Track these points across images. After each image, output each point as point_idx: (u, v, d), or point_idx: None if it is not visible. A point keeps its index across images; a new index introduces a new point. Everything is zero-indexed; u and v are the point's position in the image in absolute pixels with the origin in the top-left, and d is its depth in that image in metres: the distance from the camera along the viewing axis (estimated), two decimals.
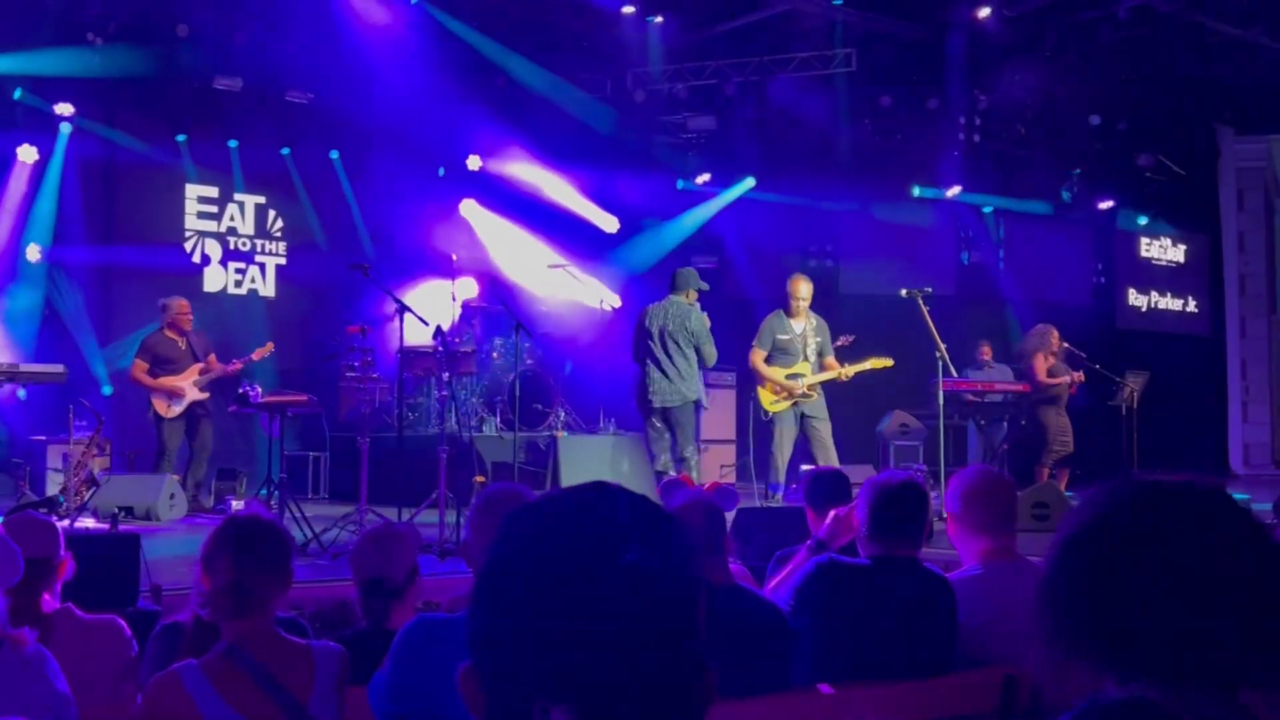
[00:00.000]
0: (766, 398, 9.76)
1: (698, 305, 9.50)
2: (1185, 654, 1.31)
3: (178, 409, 9.92)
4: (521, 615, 1.04)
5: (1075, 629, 1.37)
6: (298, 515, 8.12)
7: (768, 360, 9.75)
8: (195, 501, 9.90)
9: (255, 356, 10.17)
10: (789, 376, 9.68)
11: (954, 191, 15.51)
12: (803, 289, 9.82)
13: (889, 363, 10.33)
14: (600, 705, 1.01)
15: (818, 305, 14.13)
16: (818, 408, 9.76)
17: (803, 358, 9.74)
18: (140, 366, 9.96)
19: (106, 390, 11.78)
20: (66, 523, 8.28)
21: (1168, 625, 1.32)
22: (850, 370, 9.85)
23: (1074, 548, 1.40)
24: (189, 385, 9.93)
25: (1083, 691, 1.37)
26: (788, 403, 9.70)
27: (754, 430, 10.12)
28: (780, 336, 9.74)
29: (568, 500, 1.12)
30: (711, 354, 9.40)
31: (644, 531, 1.07)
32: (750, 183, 15.42)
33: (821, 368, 9.81)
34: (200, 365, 10.07)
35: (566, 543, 1.06)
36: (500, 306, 10.67)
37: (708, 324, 9.44)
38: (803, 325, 9.81)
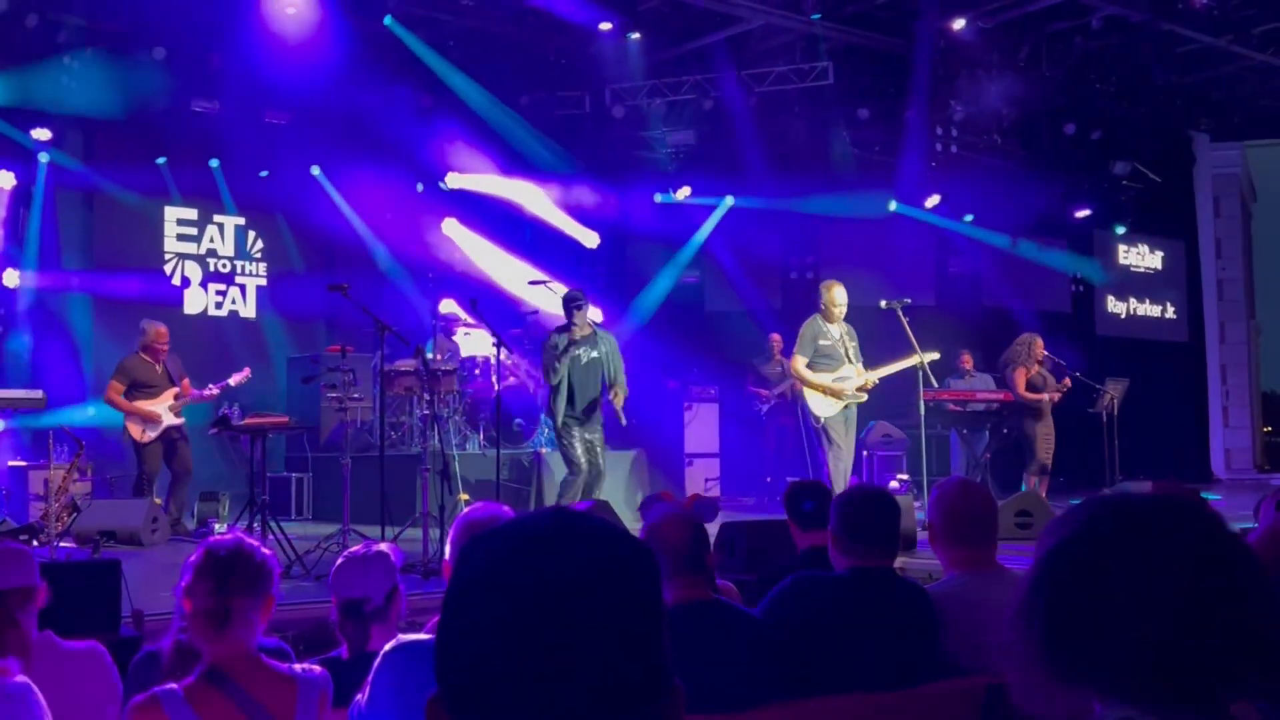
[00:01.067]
0: (818, 404, 9.67)
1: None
2: (1166, 676, 1.30)
3: (152, 434, 9.81)
4: (486, 638, 1.03)
5: (1051, 652, 1.35)
6: (280, 537, 8.09)
7: (810, 367, 9.67)
8: (178, 525, 9.84)
9: (233, 382, 10.05)
10: (835, 380, 9.61)
11: (932, 202, 15.59)
12: (840, 294, 9.75)
13: (935, 355, 10.45)
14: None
15: (799, 317, 14.24)
16: (855, 411, 9.80)
17: (846, 360, 9.69)
18: (116, 389, 9.84)
19: (91, 411, 11.76)
20: (48, 550, 8.24)
21: (1147, 648, 1.30)
22: (897, 366, 9.92)
23: (1047, 568, 1.39)
24: (165, 410, 9.84)
25: (1062, 710, 1.37)
26: (840, 405, 9.62)
27: (807, 439, 10.07)
28: (822, 342, 9.69)
29: (525, 525, 1.11)
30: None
31: (604, 554, 1.08)
32: (729, 201, 15.50)
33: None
34: (175, 390, 9.97)
35: (526, 567, 1.05)
36: (480, 323, 10.65)
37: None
38: (839, 330, 9.77)
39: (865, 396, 9.77)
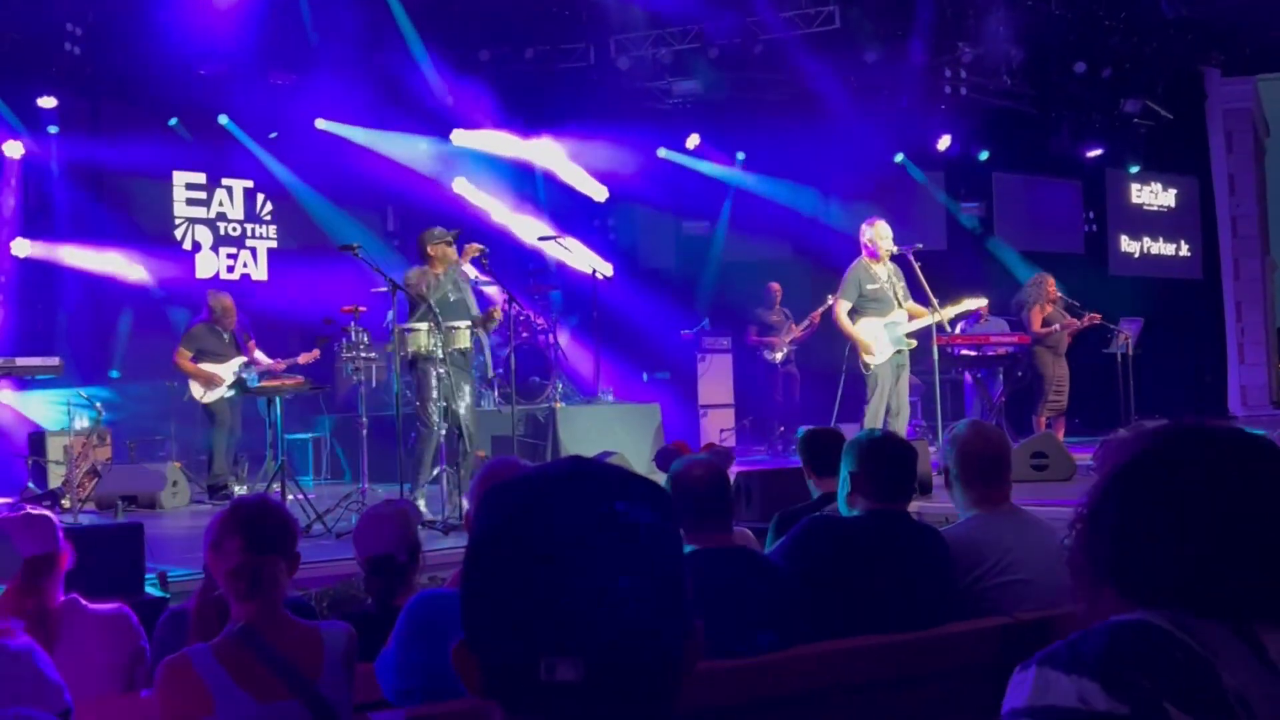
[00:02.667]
0: (868, 352, 9.29)
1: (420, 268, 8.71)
2: (1213, 591, 1.35)
3: (213, 396, 10.02)
4: (518, 575, 1.05)
5: (1106, 558, 1.42)
6: (300, 497, 8.16)
7: (855, 313, 9.31)
8: (223, 489, 9.86)
9: (301, 360, 10.25)
10: (886, 325, 9.30)
11: (943, 143, 15.48)
12: (885, 230, 9.40)
13: (983, 302, 10.25)
14: (603, 654, 1.03)
15: (810, 266, 14.22)
16: (907, 356, 9.48)
17: (896, 304, 9.36)
18: (183, 354, 10.14)
19: (114, 374, 11.84)
20: (70, 515, 8.32)
21: (1199, 563, 1.36)
22: (950, 312, 9.66)
23: (1116, 480, 1.45)
24: (228, 374, 10.05)
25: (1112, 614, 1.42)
26: (890, 351, 9.29)
27: (843, 387, 9.85)
28: (869, 286, 9.31)
29: (550, 469, 1.14)
30: None
31: (628, 488, 1.10)
32: (740, 156, 15.47)
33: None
34: (243, 358, 10.18)
35: (557, 502, 1.08)
36: (491, 280, 10.65)
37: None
38: (887, 271, 9.41)
39: (914, 343, 9.49)
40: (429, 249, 8.67)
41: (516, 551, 1.07)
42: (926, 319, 9.55)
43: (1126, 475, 1.45)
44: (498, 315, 9.03)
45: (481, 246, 8.77)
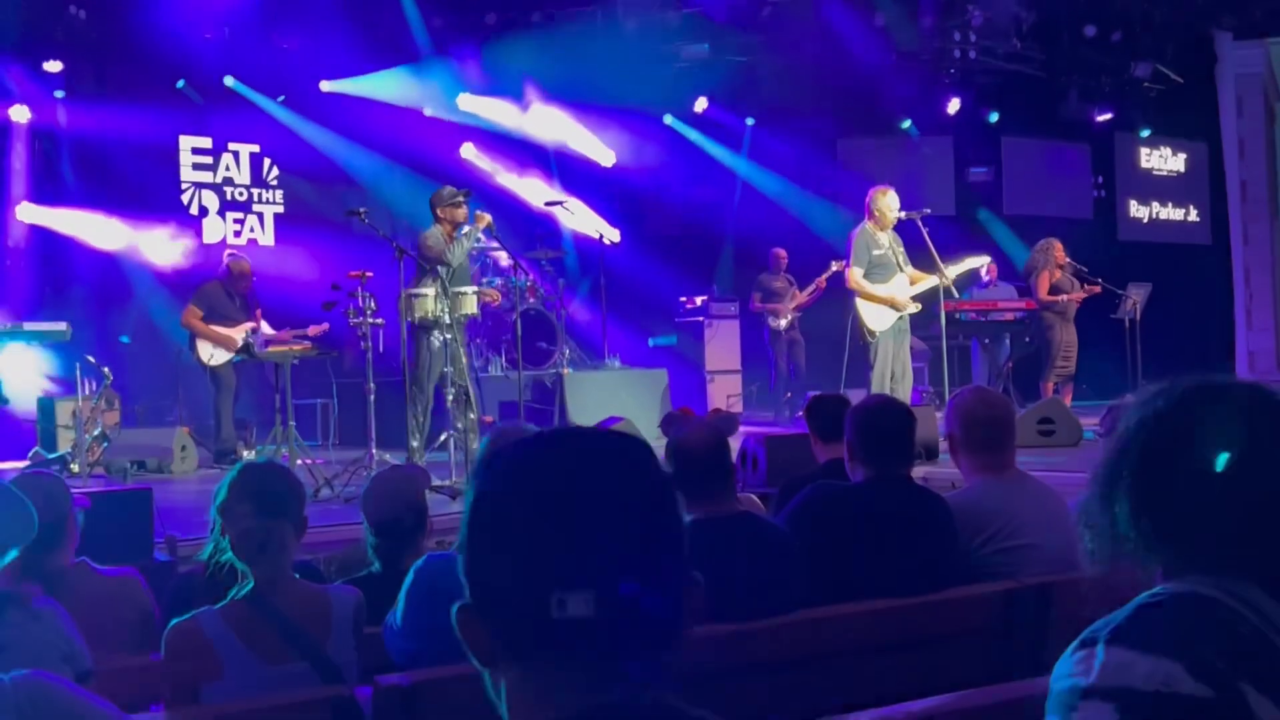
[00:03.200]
0: (873, 317, 9.34)
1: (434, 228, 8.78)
2: (1235, 550, 1.33)
3: (220, 359, 9.99)
4: (526, 520, 1.09)
5: (1124, 521, 1.39)
6: (307, 462, 8.19)
7: (865, 278, 9.34)
8: (230, 454, 9.87)
9: (310, 333, 10.19)
10: (889, 290, 9.31)
11: (953, 107, 15.39)
12: (893, 199, 9.43)
13: (986, 259, 10.22)
14: (612, 589, 1.06)
15: (816, 232, 14.17)
16: (908, 321, 9.52)
17: (899, 269, 9.42)
18: (193, 313, 10.03)
19: (125, 339, 11.85)
20: (79, 480, 8.36)
21: (1222, 521, 1.34)
22: (952, 273, 9.63)
23: (1131, 439, 1.42)
24: (239, 337, 10.01)
25: (1126, 583, 1.41)
26: (894, 318, 9.33)
27: (849, 353, 9.84)
28: (875, 251, 9.35)
29: (544, 432, 1.19)
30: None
31: (624, 444, 1.16)
32: (749, 122, 15.40)
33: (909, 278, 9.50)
34: (251, 324, 10.14)
35: (557, 455, 1.13)
36: (499, 246, 10.66)
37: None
38: (888, 238, 9.46)
39: (919, 306, 9.55)
40: (439, 210, 8.68)
41: (522, 499, 1.11)
42: (930, 282, 9.55)
43: (1142, 436, 1.42)
44: (493, 296, 8.97)
45: (488, 216, 8.78)
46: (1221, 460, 1.34)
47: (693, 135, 15.54)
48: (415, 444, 8.48)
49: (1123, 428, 1.45)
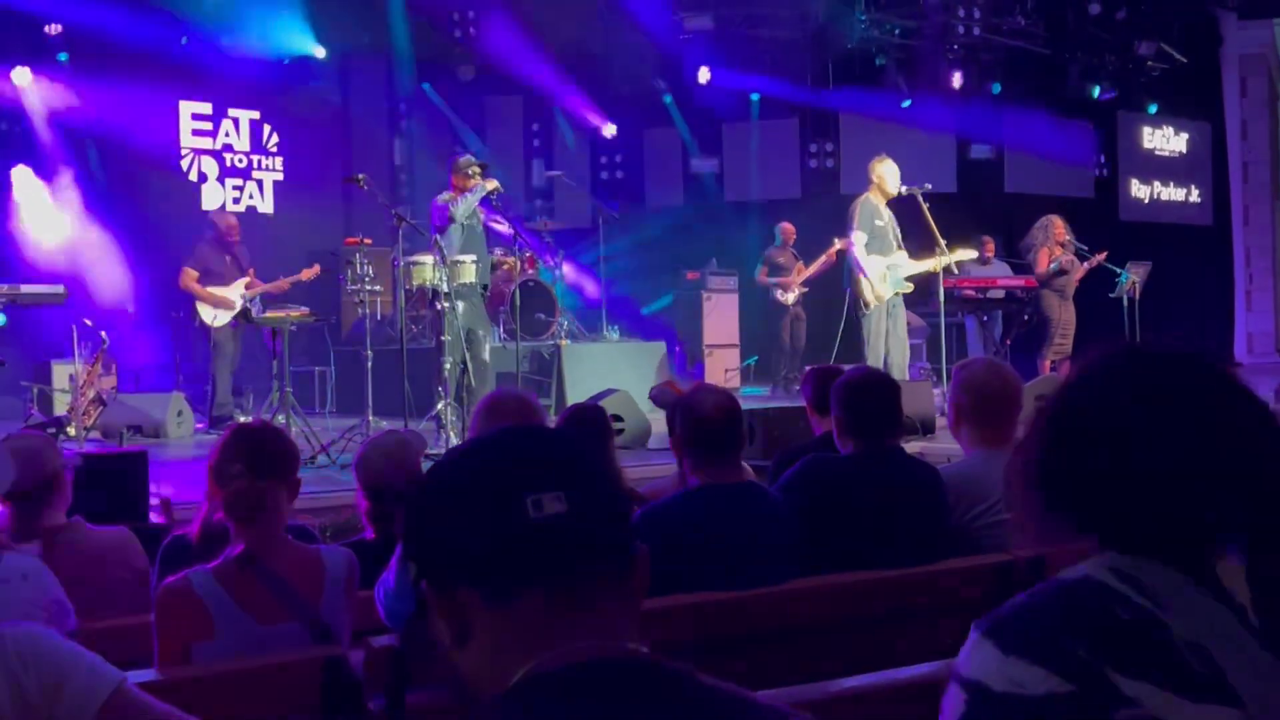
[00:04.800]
0: (869, 290, 9.23)
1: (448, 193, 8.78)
2: (1152, 524, 1.31)
3: (223, 319, 9.97)
4: (494, 449, 1.22)
5: (1044, 489, 1.38)
6: (304, 429, 8.19)
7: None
8: (224, 418, 9.84)
9: (304, 277, 10.15)
10: (889, 266, 9.24)
11: (956, 82, 15.32)
12: (893, 168, 9.36)
13: (974, 254, 10.36)
14: (580, 487, 1.15)
15: (816, 205, 14.13)
16: (901, 298, 9.47)
17: (896, 245, 9.36)
18: (189, 274, 10.01)
19: (129, 309, 11.83)
20: (75, 444, 8.35)
21: (1137, 493, 1.31)
22: (946, 259, 9.55)
23: (1051, 407, 1.41)
24: (236, 296, 9.99)
25: (1063, 545, 1.40)
26: (888, 293, 9.26)
27: (843, 329, 9.71)
28: (877, 223, 9.27)
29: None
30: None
31: (555, 433, 1.32)
32: (754, 98, 15.33)
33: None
34: (245, 280, 10.11)
35: (498, 444, 1.24)
36: (501, 217, 10.62)
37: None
38: (888, 211, 9.38)
39: (911, 287, 9.49)
40: (455, 177, 8.71)
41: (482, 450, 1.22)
42: (930, 262, 9.51)
43: (1061, 400, 1.40)
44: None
45: (497, 183, 8.77)
46: (1122, 424, 1.33)
47: (696, 105, 15.45)
48: (438, 407, 8.42)
49: (1049, 396, 1.44)
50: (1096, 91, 16.23)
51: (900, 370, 9.37)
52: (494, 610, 1.13)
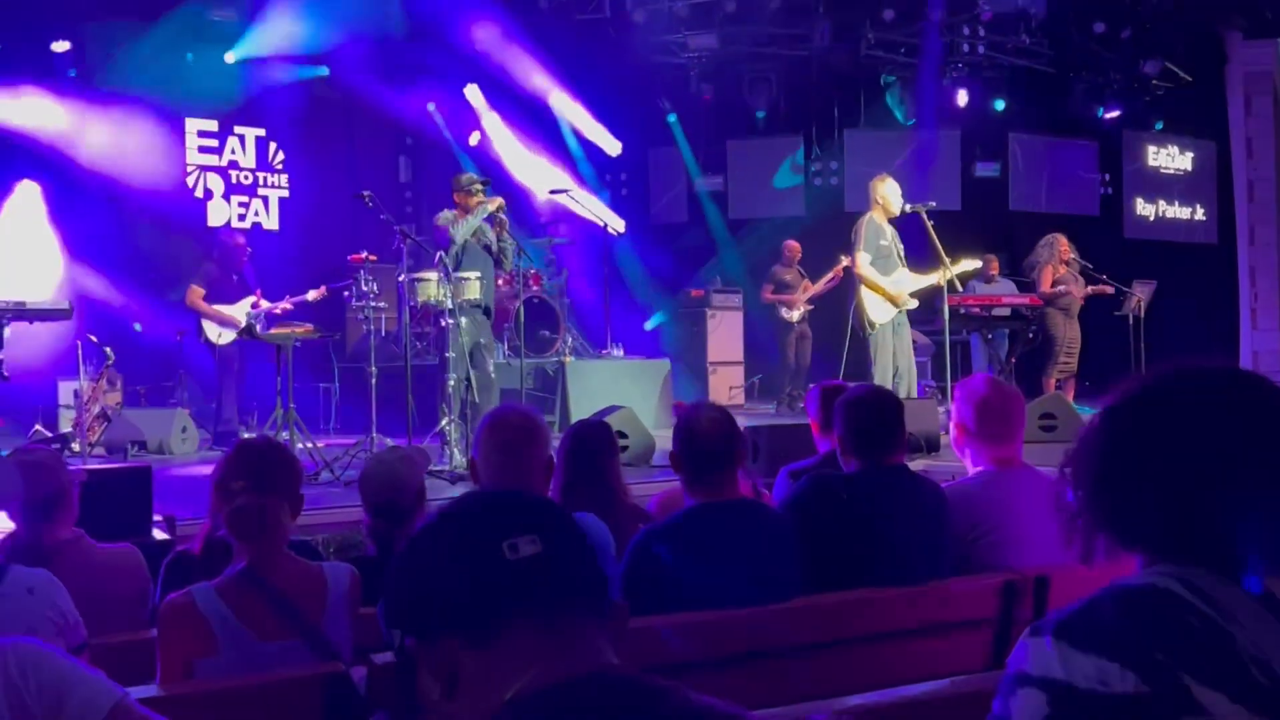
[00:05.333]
0: (875, 308, 9.26)
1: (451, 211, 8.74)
2: (1207, 538, 1.31)
3: (228, 338, 9.99)
4: (468, 517, 1.29)
5: (1097, 503, 1.38)
6: (308, 445, 8.19)
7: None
8: (230, 435, 9.84)
9: (310, 298, 10.14)
10: (893, 284, 9.25)
11: (961, 100, 15.34)
12: (895, 187, 9.38)
13: (977, 264, 10.37)
14: (553, 530, 1.25)
15: (822, 224, 14.14)
16: (905, 315, 9.46)
17: (901, 264, 9.35)
18: (196, 292, 10.02)
19: (138, 327, 11.82)
20: (79, 459, 8.36)
21: (1192, 509, 1.31)
22: (950, 273, 9.49)
23: (1106, 421, 1.41)
24: (242, 315, 10.00)
25: (1110, 562, 1.40)
26: (892, 312, 9.28)
27: (848, 347, 9.70)
28: (881, 242, 9.27)
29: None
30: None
31: (528, 509, 1.33)
32: (759, 115, 15.37)
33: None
34: (251, 299, 10.13)
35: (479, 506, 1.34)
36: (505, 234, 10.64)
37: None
38: (892, 230, 9.38)
39: (916, 303, 9.49)
40: (456, 195, 8.70)
41: (461, 501, 1.33)
42: (933, 278, 9.51)
43: (1112, 415, 1.40)
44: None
45: (500, 200, 8.76)
46: (1184, 440, 1.33)
47: (699, 124, 15.50)
48: (442, 423, 8.41)
49: (1100, 411, 1.43)
50: (1101, 110, 16.26)
51: (910, 385, 9.37)
52: (479, 652, 1.18)
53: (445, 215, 8.63)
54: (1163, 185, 17.80)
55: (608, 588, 1.28)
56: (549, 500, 1.37)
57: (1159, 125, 17.26)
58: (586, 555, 1.27)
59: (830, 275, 12.53)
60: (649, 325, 14.47)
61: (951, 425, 3.80)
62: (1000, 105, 15.71)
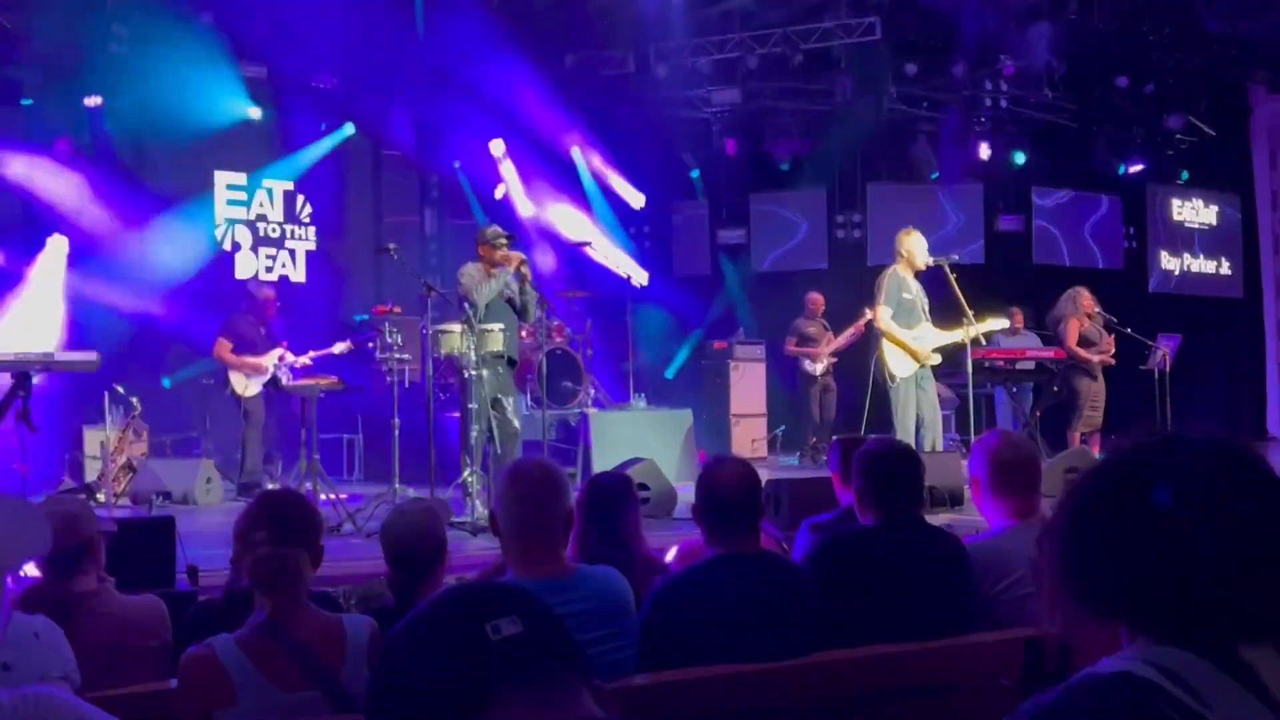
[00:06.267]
0: (897, 362, 9.21)
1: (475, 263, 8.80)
2: (1180, 613, 1.28)
3: (256, 389, 10.07)
4: (448, 602, 1.38)
5: (1072, 575, 1.35)
6: (332, 497, 8.21)
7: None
8: (253, 485, 9.86)
9: (336, 351, 10.21)
10: (916, 339, 9.21)
11: (984, 154, 15.39)
12: (921, 241, 9.36)
13: (1005, 323, 10.45)
14: (532, 612, 1.34)
15: (845, 277, 14.18)
16: (931, 369, 9.42)
17: (925, 318, 9.32)
18: (223, 345, 10.18)
19: (167, 383, 11.89)
20: (106, 509, 8.40)
21: (1161, 579, 1.28)
22: (974, 331, 9.48)
23: (1079, 492, 1.38)
24: (270, 366, 10.08)
25: (1091, 632, 1.37)
26: (915, 366, 9.22)
27: (871, 397, 9.76)
28: (904, 295, 9.24)
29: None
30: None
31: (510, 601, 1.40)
32: (784, 167, 15.43)
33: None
34: (278, 351, 10.21)
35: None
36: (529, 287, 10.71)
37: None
38: (916, 285, 9.36)
39: (939, 359, 9.44)
40: (481, 248, 8.77)
41: (441, 596, 1.40)
42: (958, 333, 9.48)
43: (1090, 485, 1.37)
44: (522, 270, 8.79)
45: (522, 256, 8.82)
46: (1157, 515, 1.29)
47: (722, 177, 15.59)
48: (464, 475, 8.43)
49: (1076, 479, 1.40)
50: (1125, 164, 16.29)
51: (935, 439, 9.32)
52: None
53: (469, 272, 8.64)
54: (1187, 239, 17.78)
55: (586, 658, 1.38)
56: (521, 586, 1.46)
57: (1185, 175, 17.24)
58: (562, 630, 1.38)
59: (852, 329, 12.54)
60: (670, 372, 14.50)
61: (970, 482, 3.80)
62: (1022, 159, 15.75)
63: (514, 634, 1.30)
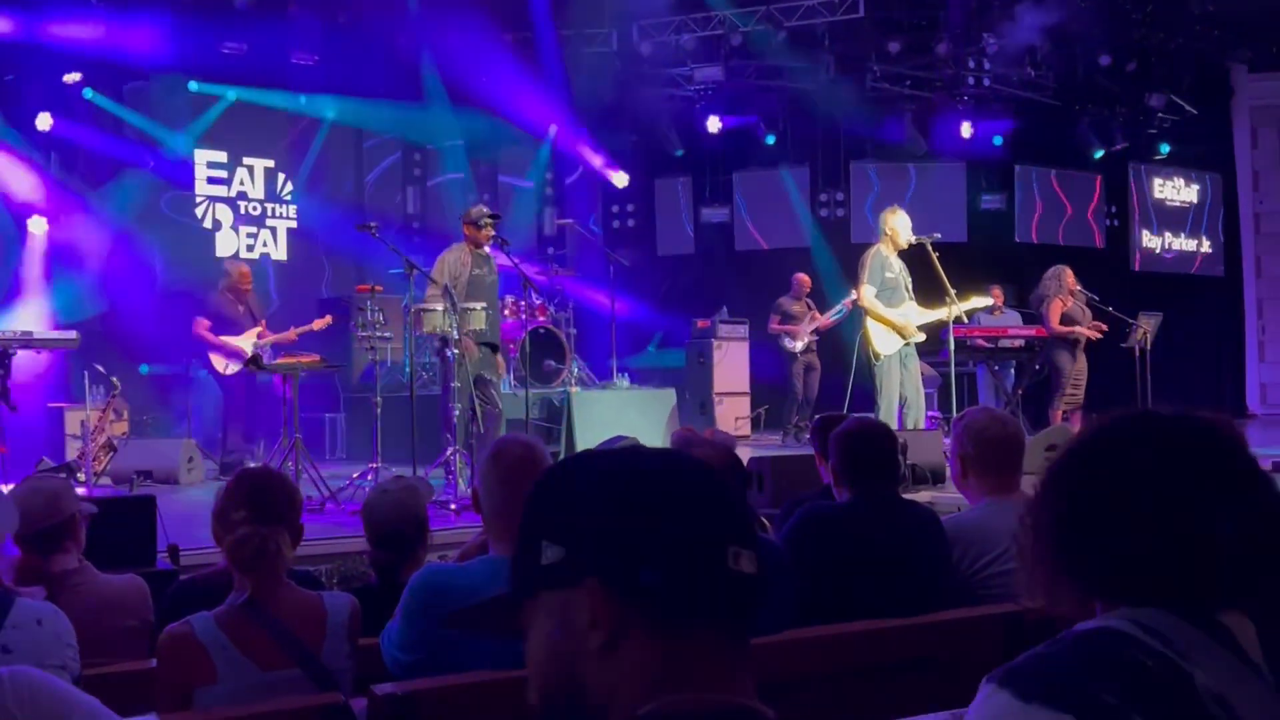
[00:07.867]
0: (881, 340, 9.25)
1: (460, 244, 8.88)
2: (1157, 579, 1.31)
3: (235, 368, 10.03)
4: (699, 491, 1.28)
5: (1054, 549, 1.38)
6: (313, 474, 8.19)
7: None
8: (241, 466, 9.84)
9: (315, 327, 10.18)
10: (899, 315, 9.25)
11: (966, 133, 15.39)
12: (904, 220, 9.38)
13: (988, 301, 10.43)
14: (761, 560, 1.26)
15: (828, 255, 14.19)
16: (913, 346, 9.46)
17: (908, 296, 9.35)
18: (202, 324, 10.10)
19: (144, 369, 11.84)
20: (87, 489, 8.36)
21: (1142, 550, 1.31)
22: (957, 309, 9.51)
23: (1060, 468, 1.41)
24: (249, 345, 10.04)
25: (1074, 608, 1.39)
26: (899, 344, 9.26)
27: (854, 378, 9.76)
28: (887, 274, 9.27)
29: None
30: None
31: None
32: (769, 139, 15.41)
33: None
34: (257, 329, 10.16)
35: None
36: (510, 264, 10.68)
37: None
38: (899, 263, 9.39)
39: (924, 336, 9.49)
40: (466, 228, 8.77)
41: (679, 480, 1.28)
42: (941, 312, 9.50)
43: (1070, 461, 1.40)
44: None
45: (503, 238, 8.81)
46: (1139, 487, 1.33)
47: (706, 155, 15.56)
48: (447, 453, 8.44)
49: (1058, 455, 1.43)
50: (1105, 147, 16.31)
51: (918, 417, 9.36)
52: (659, 635, 1.18)
53: (450, 257, 8.67)
54: (1169, 218, 17.84)
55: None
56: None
57: (1164, 148, 17.28)
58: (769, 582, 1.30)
59: (838, 307, 12.55)
60: (651, 346, 14.51)
61: (951, 459, 3.81)
62: (1004, 138, 15.76)
63: (749, 573, 1.22)
